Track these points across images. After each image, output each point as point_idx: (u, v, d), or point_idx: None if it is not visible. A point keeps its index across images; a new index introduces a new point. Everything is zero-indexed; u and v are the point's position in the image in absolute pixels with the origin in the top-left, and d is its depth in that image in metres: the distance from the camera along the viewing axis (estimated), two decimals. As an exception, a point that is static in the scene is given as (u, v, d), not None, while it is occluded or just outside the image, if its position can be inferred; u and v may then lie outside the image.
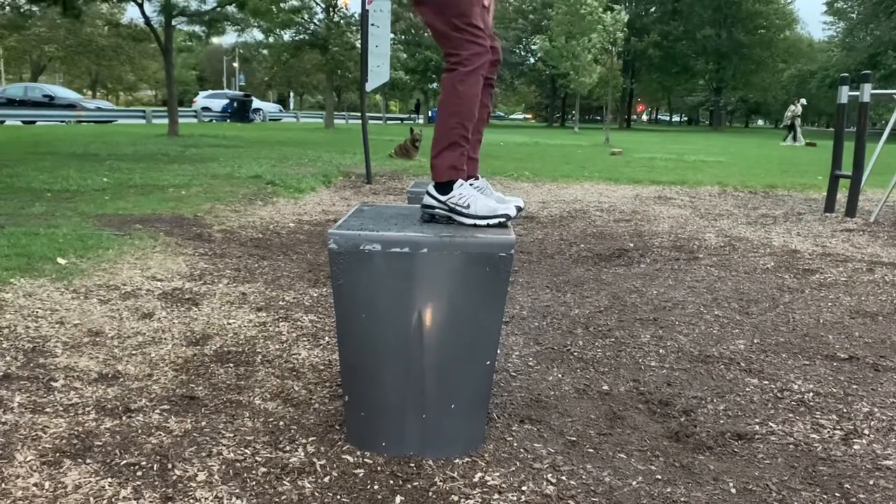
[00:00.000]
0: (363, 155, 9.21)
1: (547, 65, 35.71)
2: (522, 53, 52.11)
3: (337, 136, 21.43)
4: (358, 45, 11.25)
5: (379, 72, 8.79)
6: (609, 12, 29.45)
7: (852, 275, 4.45)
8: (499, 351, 2.64)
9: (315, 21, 28.05)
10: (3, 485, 1.78)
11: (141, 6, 15.87)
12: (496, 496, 1.84)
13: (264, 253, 4.64)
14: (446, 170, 2.11)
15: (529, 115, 73.79)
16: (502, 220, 2.10)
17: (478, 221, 2.08)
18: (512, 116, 74.97)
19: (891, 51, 39.38)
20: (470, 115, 2.10)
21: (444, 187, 2.12)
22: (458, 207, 2.10)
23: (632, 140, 26.36)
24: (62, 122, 24.19)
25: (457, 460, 2.01)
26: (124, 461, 1.92)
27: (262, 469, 1.92)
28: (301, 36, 28.25)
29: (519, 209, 2.16)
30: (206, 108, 33.59)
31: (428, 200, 2.16)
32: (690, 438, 2.20)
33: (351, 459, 1.99)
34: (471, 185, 2.19)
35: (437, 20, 2.08)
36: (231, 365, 2.68)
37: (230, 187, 7.48)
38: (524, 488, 1.87)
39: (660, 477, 1.96)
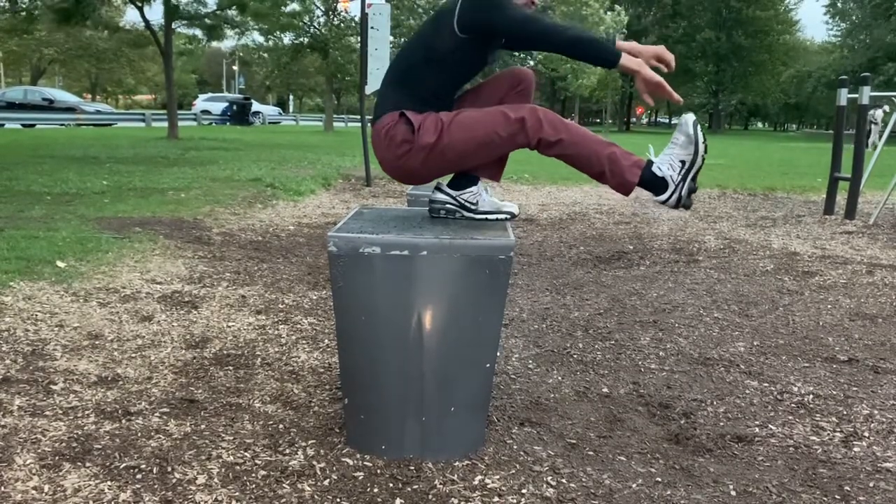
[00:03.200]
0: (362, 157, 9.22)
1: (547, 67, 35.78)
2: (522, 56, 52.18)
3: (336, 138, 21.43)
4: (358, 48, 11.25)
5: (378, 75, 8.78)
6: (610, 13, 29.50)
7: (852, 277, 4.45)
8: (498, 353, 2.64)
9: (315, 24, 28.09)
10: (2, 488, 1.78)
11: (141, 9, 15.88)
12: (496, 499, 1.83)
13: (264, 256, 4.64)
14: (630, 172, 2.06)
15: None
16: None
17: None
18: None
19: (889, 56, 39.45)
20: (588, 137, 2.08)
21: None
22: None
23: (631, 142, 26.33)
24: (62, 125, 24.17)
25: (456, 463, 2.00)
26: (124, 464, 1.92)
27: (262, 472, 1.92)
28: (301, 39, 28.28)
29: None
30: (205, 111, 33.59)
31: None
32: (690, 441, 2.20)
33: (351, 462, 1.99)
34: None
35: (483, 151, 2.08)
36: (230, 368, 2.67)
37: (230, 190, 7.48)
38: (524, 491, 1.87)
39: (660, 479, 1.96)
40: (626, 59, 1.97)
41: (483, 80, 2.32)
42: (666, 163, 2.08)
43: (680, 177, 2.07)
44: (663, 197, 2.09)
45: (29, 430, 2.09)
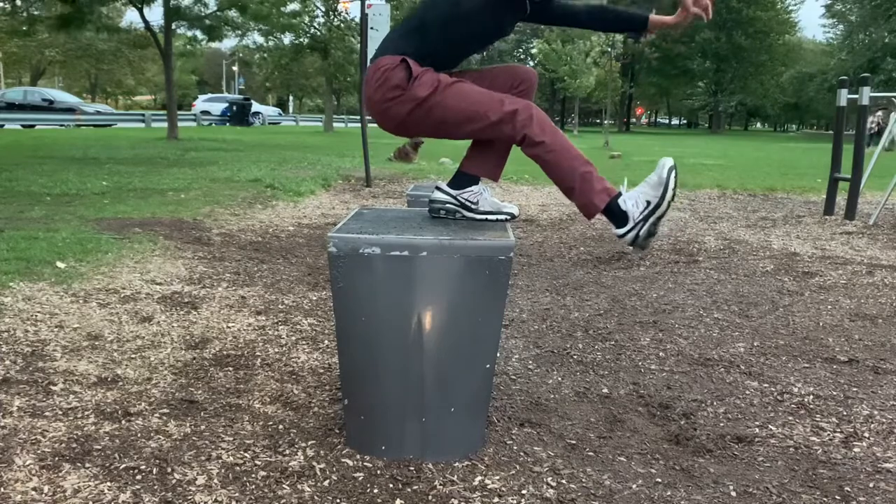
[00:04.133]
0: (362, 158, 9.22)
1: (546, 69, 35.80)
2: (522, 57, 52.17)
3: (336, 139, 21.44)
4: (358, 48, 11.28)
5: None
6: None
7: (852, 277, 4.45)
8: (498, 354, 2.64)
9: (315, 25, 28.09)
10: (2, 489, 1.78)
11: (141, 10, 15.89)
12: (496, 500, 1.83)
13: (264, 256, 4.64)
14: (598, 197, 2.05)
15: None
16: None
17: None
18: None
19: (889, 55, 39.46)
20: (569, 149, 2.07)
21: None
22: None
23: (631, 143, 26.38)
24: (61, 126, 24.18)
25: (456, 464, 2.00)
26: (123, 465, 1.92)
27: (262, 473, 1.92)
28: (301, 39, 28.28)
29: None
30: (205, 112, 33.61)
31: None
32: (690, 441, 2.20)
33: (350, 463, 1.99)
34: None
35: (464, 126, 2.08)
36: (230, 368, 2.67)
37: (229, 191, 7.48)
38: (524, 492, 1.87)
39: (660, 480, 1.96)
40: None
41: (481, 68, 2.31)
42: (633, 198, 2.06)
43: (641, 216, 2.05)
44: (621, 231, 2.07)
45: (29, 430, 2.09)
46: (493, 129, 2.08)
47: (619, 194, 2.07)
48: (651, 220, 2.05)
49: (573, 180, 2.05)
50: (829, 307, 3.76)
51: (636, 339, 3.19)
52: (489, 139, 2.18)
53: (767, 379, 2.74)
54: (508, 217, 2.23)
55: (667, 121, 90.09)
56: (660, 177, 2.04)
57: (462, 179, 2.24)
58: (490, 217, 2.22)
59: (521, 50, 52.09)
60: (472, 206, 2.23)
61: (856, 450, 2.17)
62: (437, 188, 2.27)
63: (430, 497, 1.84)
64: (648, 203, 2.04)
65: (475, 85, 2.10)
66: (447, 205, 2.25)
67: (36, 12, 15.81)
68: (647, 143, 27.96)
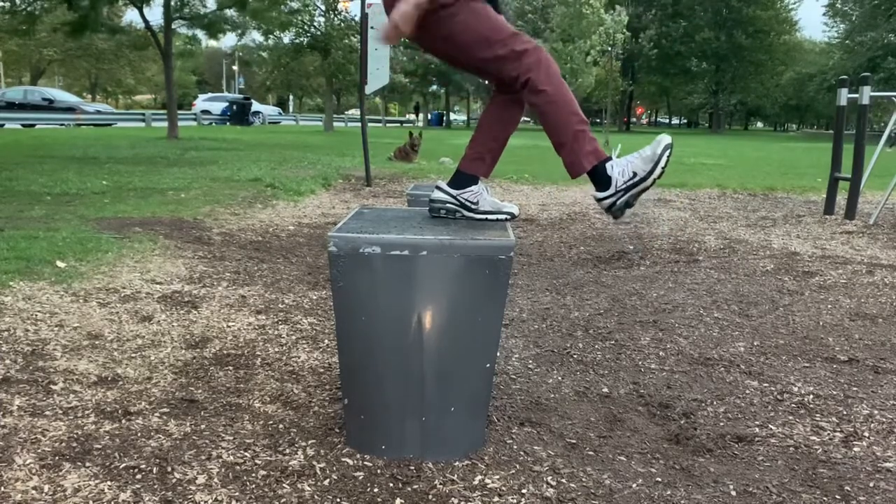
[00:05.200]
0: (363, 158, 9.22)
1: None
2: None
3: (336, 138, 21.44)
4: (358, 47, 11.26)
5: (378, 75, 8.79)
6: (611, 13, 29.51)
7: (852, 277, 4.45)
8: (498, 353, 2.64)
9: (315, 24, 28.10)
10: (2, 488, 1.78)
11: (141, 10, 15.89)
12: (496, 499, 1.83)
13: (264, 256, 4.64)
14: (586, 158, 2.04)
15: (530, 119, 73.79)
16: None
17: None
18: None
19: (890, 55, 39.46)
20: (572, 102, 2.04)
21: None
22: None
23: (631, 143, 26.30)
24: (62, 125, 24.19)
25: (457, 463, 2.00)
26: (124, 464, 1.92)
27: (262, 472, 1.92)
28: (301, 39, 28.29)
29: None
30: (205, 112, 33.63)
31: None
32: (690, 441, 2.20)
33: (351, 462, 1.99)
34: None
35: (474, 51, 2.04)
36: (230, 368, 2.67)
37: (230, 190, 7.48)
38: (524, 491, 1.87)
39: (660, 479, 1.96)
40: None
41: None
42: (621, 166, 2.04)
43: (624, 185, 2.03)
44: (601, 195, 2.06)
45: (29, 430, 2.09)
46: (497, 64, 2.03)
47: (609, 158, 2.06)
48: (633, 191, 2.04)
49: (566, 136, 2.03)
50: (830, 307, 3.76)
51: (636, 339, 3.19)
52: (488, 77, 2.12)
53: (767, 378, 2.74)
54: (508, 217, 2.23)
55: (667, 120, 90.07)
56: (654, 152, 2.02)
57: (462, 179, 2.23)
58: (490, 217, 2.21)
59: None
60: (473, 206, 2.22)
61: (856, 449, 2.17)
62: (437, 188, 2.26)
63: (430, 496, 1.84)
64: (635, 174, 2.02)
65: (495, 13, 2.05)
66: (447, 204, 2.24)
67: (36, 12, 15.80)
68: (647, 142, 27.91)
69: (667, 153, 2.02)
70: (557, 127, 2.04)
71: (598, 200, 2.08)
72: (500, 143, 2.28)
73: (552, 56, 2.13)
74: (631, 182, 2.03)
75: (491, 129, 2.26)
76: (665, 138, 2.04)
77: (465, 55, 2.08)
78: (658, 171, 2.02)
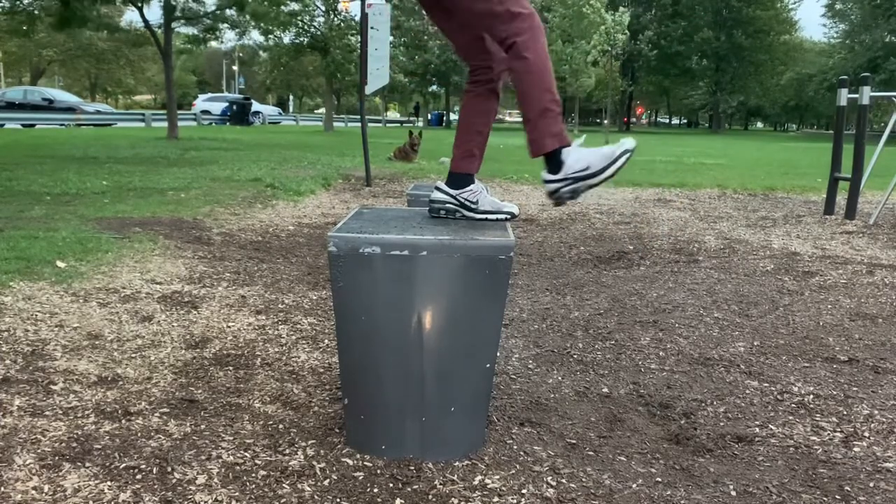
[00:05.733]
0: (362, 158, 9.22)
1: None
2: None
3: (336, 138, 21.44)
4: (358, 47, 11.26)
5: (378, 75, 8.79)
6: (612, 13, 29.48)
7: (852, 277, 4.45)
8: (498, 353, 2.64)
9: (315, 24, 28.11)
10: (2, 488, 1.78)
11: (140, 9, 15.89)
12: (496, 499, 1.83)
13: (264, 256, 4.64)
14: (549, 139, 2.04)
15: None
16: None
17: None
18: (510, 119, 75.07)
19: (891, 56, 39.47)
20: (550, 79, 2.04)
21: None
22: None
23: (631, 143, 26.32)
24: (62, 125, 24.18)
25: (457, 463, 2.00)
26: (124, 464, 1.92)
27: (262, 472, 1.92)
28: (301, 39, 28.30)
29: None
30: (205, 112, 33.63)
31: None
32: (690, 441, 2.20)
33: (350, 462, 1.99)
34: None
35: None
36: (230, 368, 2.67)
37: (229, 190, 7.48)
38: (524, 491, 1.87)
39: (660, 479, 1.96)
40: None
41: None
42: (576, 156, 2.03)
43: (573, 174, 2.03)
44: (549, 177, 2.06)
45: (29, 430, 2.09)
46: (489, 20, 2.03)
47: (569, 144, 2.05)
48: (580, 183, 2.04)
49: (535, 112, 2.03)
50: (830, 307, 3.76)
51: (636, 339, 3.19)
52: (477, 35, 2.11)
53: (767, 378, 2.74)
54: (508, 216, 2.22)
55: (667, 120, 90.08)
56: (612, 152, 2.01)
57: (460, 179, 2.22)
58: (490, 217, 2.20)
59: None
60: (472, 206, 2.21)
61: (856, 449, 2.17)
62: (437, 188, 2.26)
63: (430, 496, 1.84)
64: (588, 168, 2.02)
65: None
66: (447, 204, 2.23)
67: (35, 11, 15.80)
68: (647, 142, 27.95)
69: (625, 156, 2.01)
70: (530, 99, 2.04)
71: (545, 182, 2.09)
72: (485, 136, 2.28)
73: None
74: (582, 174, 2.03)
75: (473, 125, 2.26)
76: (628, 142, 2.03)
77: (460, 4, 2.07)
78: (611, 170, 2.01)
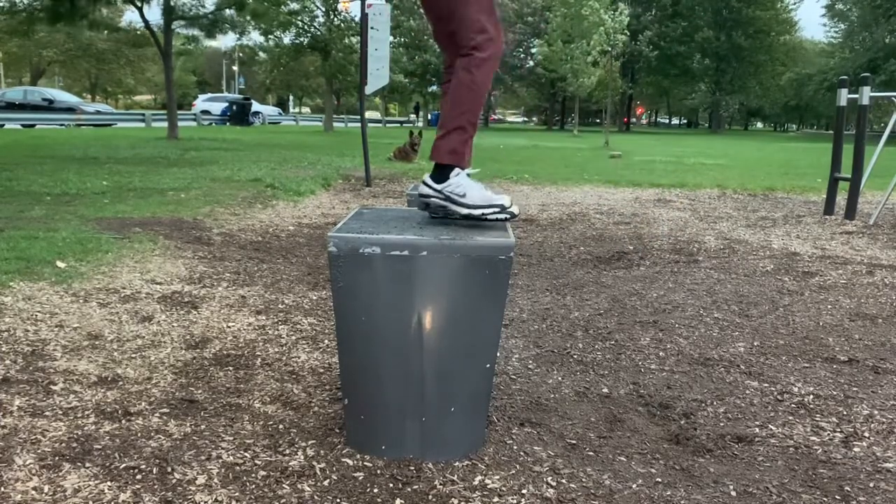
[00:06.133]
0: (362, 158, 9.22)
1: (547, 69, 35.74)
2: (522, 56, 52.18)
3: (336, 139, 21.44)
4: (358, 48, 11.27)
5: (378, 75, 8.80)
6: (612, 13, 29.47)
7: (852, 277, 4.45)
8: (498, 354, 2.64)
9: (315, 24, 28.11)
10: (2, 488, 1.78)
11: (140, 9, 15.89)
12: (496, 499, 1.83)
13: (264, 256, 4.64)
14: (446, 153, 2.11)
15: (534, 119, 73.67)
16: (497, 210, 2.12)
17: (473, 211, 2.12)
18: (510, 119, 75.04)
19: (890, 55, 39.48)
20: (480, 103, 2.12)
21: (441, 176, 2.13)
22: (453, 196, 2.12)
23: (631, 143, 26.38)
24: (62, 125, 24.19)
25: (457, 463, 2.00)
26: (124, 465, 1.92)
27: (262, 472, 1.92)
28: (301, 39, 28.30)
29: (513, 215, 2.17)
30: (205, 112, 33.64)
31: (424, 189, 2.18)
32: (690, 441, 2.20)
33: (350, 463, 1.99)
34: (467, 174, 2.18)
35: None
36: (230, 368, 2.67)
37: (229, 190, 7.48)
38: (524, 491, 1.87)
39: (660, 480, 1.96)
40: None
41: None
42: (463, 181, 2.11)
43: (447, 195, 2.11)
44: (430, 183, 2.13)
45: (29, 430, 2.09)
46: (464, 23, 2.07)
47: (461, 168, 2.12)
48: (448, 205, 2.11)
49: (451, 124, 2.10)
50: (829, 307, 3.76)
51: (636, 339, 3.19)
52: (450, 31, 2.15)
53: (767, 379, 2.74)
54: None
55: (667, 120, 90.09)
56: (490, 202, 2.11)
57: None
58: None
59: (520, 49, 52.04)
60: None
61: (856, 449, 2.17)
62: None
63: (430, 497, 1.84)
64: (463, 196, 2.10)
65: None
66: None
67: (35, 12, 15.78)
68: (647, 142, 27.96)
69: (494, 212, 2.10)
70: (452, 110, 2.10)
71: (424, 184, 2.14)
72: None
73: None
74: (454, 198, 2.11)
75: None
76: (506, 202, 2.12)
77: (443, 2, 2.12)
78: (475, 213, 2.10)
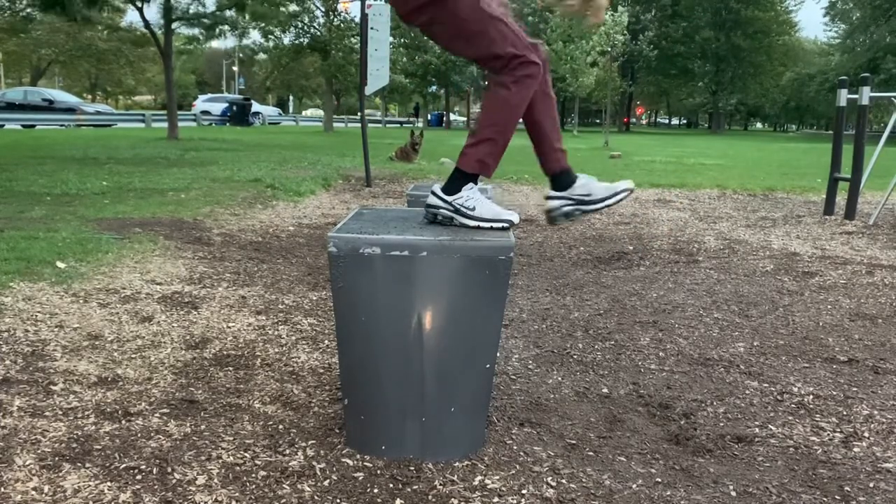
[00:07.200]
0: (362, 158, 9.22)
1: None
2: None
3: (336, 139, 21.44)
4: (358, 48, 11.27)
5: (378, 75, 8.80)
6: (612, 14, 29.45)
7: (851, 277, 4.45)
8: (498, 354, 2.64)
9: (315, 25, 28.11)
10: (2, 489, 1.78)
11: (140, 10, 15.90)
12: (496, 499, 1.83)
13: (264, 256, 4.64)
14: (475, 161, 2.10)
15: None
16: (505, 224, 2.10)
17: (482, 224, 2.09)
18: None
19: (890, 55, 39.48)
20: (515, 121, 2.11)
21: (453, 187, 2.12)
22: (463, 209, 2.11)
23: (631, 143, 26.37)
24: (62, 125, 24.19)
25: (456, 463, 2.00)
26: (124, 465, 1.92)
27: (262, 473, 1.92)
28: (301, 40, 28.30)
29: (512, 223, 2.15)
30: (205, 112, 33.63)
31: (432, 200, 2.14)
32: (690, 441, 2.20)
33: (350, 463, 1.99)
34: (480, 189, 2.18)
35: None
36: (230, 368, 2.67)
37: (229, 191, 7.48)
38: (524, 492, 1.87)
39: (660, 480, 1.96)
40: None
41: None
42: (476, 196, 2.12)
43: (459, 206, 2.12)
44: (441, 194, 2.13)
45: (29, 430, 2.09)
46: (486, 64, 2.07)
47: (488, 176, 2.15)
48: (455, 216, 2.12)
49: (483, 135, 2.09)
50: (829, 307, 3.76)
51: (636, 339, 3.20)
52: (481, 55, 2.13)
53: (767, 379, 2.74)
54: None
55: (667, 120, 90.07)
56: (499, 217, 2.11)
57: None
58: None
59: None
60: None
61: (856, 450, 2.17)
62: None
63: (430, 497, 1.84)
64: (471, 210, 2.11)
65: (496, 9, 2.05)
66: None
67: (37, 15, 15.76)
68: (647, 142, 27.95)
69: (501, 227, 2.11)
70: (488, 122, 2.09)
71: (434, 193, 2.15)
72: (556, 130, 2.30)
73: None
74: (464, 210, 2.11)
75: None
76: (515, 219, 2.12)
77: (454, 46, 2.13)
78: (484, 226, 2.10)
